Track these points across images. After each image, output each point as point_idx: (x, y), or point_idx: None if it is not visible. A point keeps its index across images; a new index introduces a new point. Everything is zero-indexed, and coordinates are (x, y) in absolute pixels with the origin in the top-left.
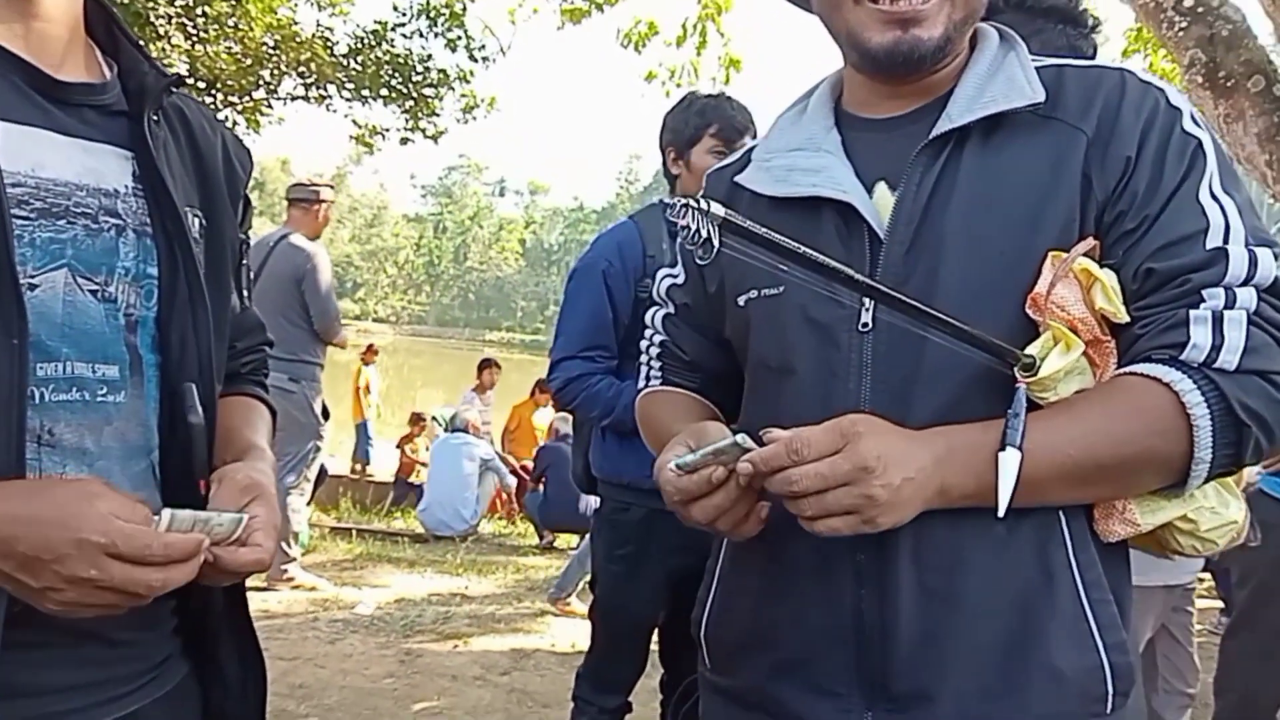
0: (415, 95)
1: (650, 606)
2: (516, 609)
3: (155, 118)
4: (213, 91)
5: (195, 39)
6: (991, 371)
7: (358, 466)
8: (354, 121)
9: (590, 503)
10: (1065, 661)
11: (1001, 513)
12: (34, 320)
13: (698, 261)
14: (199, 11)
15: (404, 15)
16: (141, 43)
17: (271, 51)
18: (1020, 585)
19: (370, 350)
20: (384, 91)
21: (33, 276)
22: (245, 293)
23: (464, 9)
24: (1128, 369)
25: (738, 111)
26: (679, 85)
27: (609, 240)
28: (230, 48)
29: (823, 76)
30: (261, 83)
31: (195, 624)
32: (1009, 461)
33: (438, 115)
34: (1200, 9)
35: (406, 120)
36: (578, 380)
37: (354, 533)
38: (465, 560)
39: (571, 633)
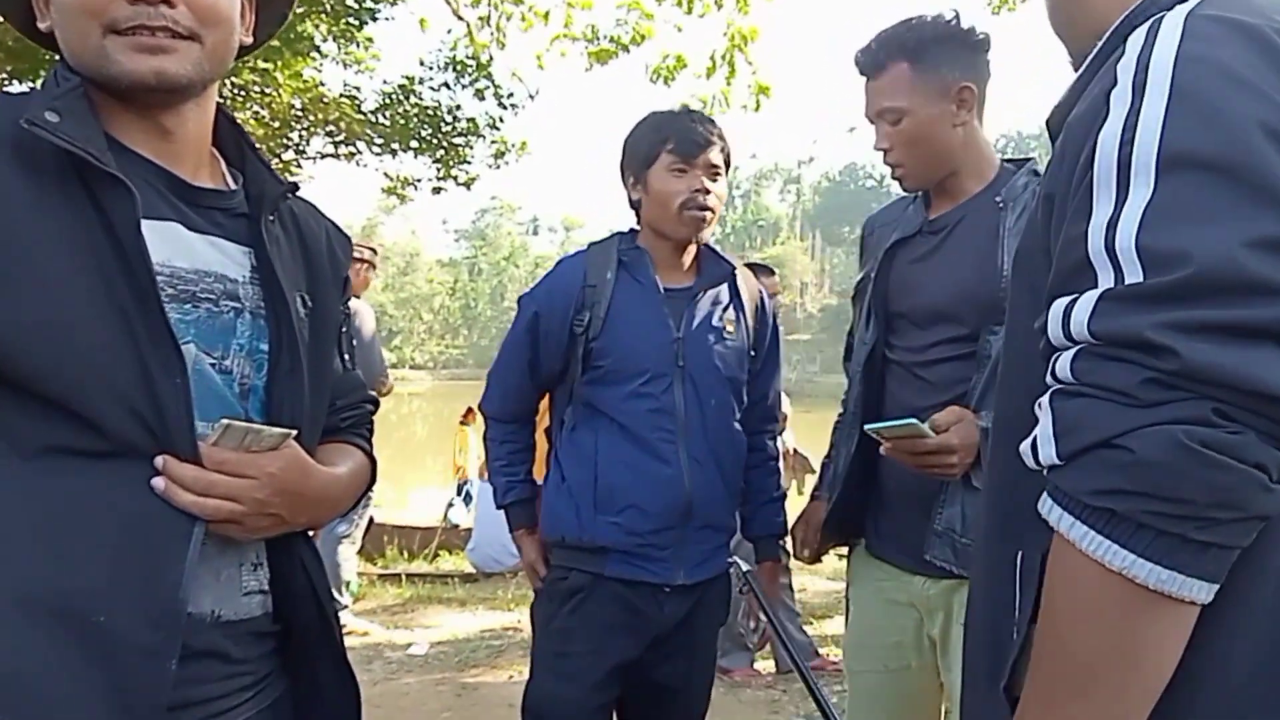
0: (445, 145)
1: None
2: None
3: (271, 218)
4: None
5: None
6: None
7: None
8: (385, 174)
9: None
10: None
11: None
12: None
13: None
14: (226, 81)
15: (431, 69)
16: None
17: (299, 114)
18: None
19: (470, 413)
20: (414, 143)
21: None
22: (347, 356)
23: (490, 59)
24: None
25: (699, 123)
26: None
27: (548, 280)
28: (258, 113)
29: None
30: (290, 144)
31: (295, 643)
32: None
33: (469, 163)
34: None
35: (438, 170)
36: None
37: (403, 577)
38: (516, 595)
39: None
